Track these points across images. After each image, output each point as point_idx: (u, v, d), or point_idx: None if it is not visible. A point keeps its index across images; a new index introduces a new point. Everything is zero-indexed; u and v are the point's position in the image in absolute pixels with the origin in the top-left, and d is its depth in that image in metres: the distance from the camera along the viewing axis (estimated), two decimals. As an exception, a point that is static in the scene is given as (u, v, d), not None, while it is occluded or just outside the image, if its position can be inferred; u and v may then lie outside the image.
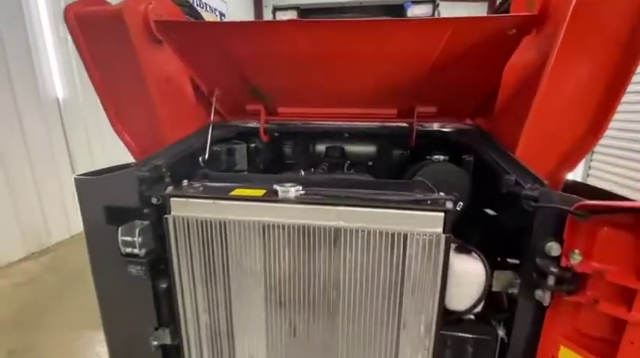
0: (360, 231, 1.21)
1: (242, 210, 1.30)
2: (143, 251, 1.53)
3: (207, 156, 1.87)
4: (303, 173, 1.80)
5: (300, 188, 1.31)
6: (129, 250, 1.54)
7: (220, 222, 1.33)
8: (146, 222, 1.56)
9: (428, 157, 2.04)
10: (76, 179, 1.52)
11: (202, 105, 2.00)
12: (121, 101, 1.71)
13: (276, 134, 2.22)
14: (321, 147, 2.40)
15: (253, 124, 2.14)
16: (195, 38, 1.58)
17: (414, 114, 1.85)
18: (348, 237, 1.23)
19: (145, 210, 1.51)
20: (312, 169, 1.93)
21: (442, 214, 1.14)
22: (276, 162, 2.52)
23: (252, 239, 1.32)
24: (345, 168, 2.15)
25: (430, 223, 1.15)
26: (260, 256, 1.33)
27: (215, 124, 2.09)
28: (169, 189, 1.40)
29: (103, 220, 1.53)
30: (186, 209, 1.35)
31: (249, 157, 2.23)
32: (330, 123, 2.06)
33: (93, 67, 1.60)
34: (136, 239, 1.50)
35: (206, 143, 1.90)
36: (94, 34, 1.53)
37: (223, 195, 1.33)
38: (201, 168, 1.88)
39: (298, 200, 1.27)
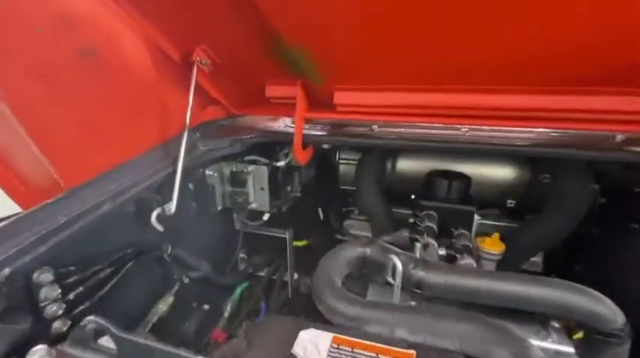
0: None
1: None
2: None
3: (173, 206, 0.82)
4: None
5: None
6: None
7: None
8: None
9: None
10: None
11: (176, 84, 0.95)
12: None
13: (327, 146, 1.12)
14: (410, 167, 1.25)
15: (281, 126, 1.05)
16: None
17: None
18: None
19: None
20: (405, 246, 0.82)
21: None
22: (323, 194, 1.45)
23: None
24: (475, 223, 0.99)
25: None
26: None
27: (203, 128, 1.04)
28: None
29: None
30: None
31: (273, 186, 1.17)
32: (448, 128, 0.91)
33: None
34: None
35: (174, 173, 0.86)
36: None
37: None
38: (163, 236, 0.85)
39: None
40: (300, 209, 1.43)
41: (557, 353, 0.66)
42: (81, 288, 0.67)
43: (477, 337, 0.54)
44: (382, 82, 0.88)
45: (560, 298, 0.61)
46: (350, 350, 0.55)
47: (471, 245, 0.92)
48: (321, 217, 1.62)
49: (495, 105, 0.87)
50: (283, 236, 1.26)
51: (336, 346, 0.55)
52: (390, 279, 0.73)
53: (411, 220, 1.13)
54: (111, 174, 0.77)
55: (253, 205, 1.14)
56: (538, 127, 0.87)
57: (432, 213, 1.00)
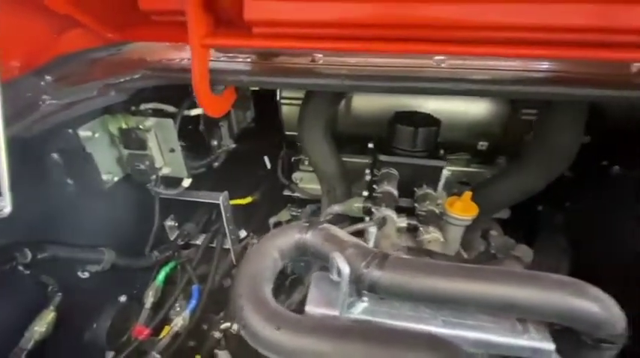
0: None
1: None
2: None
3: (6, 202, 0.54)
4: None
5: None
6: None
7: None
8: None
9: None
10: None
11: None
12: None
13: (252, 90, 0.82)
14: (367, 106, 1.00)
15: (186, 56, 0.71)
16: None
17: None
18: None
19: None
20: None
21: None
22: (266, 141, 1.19)
23: None
24: (443, 179, 0.80)
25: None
26: None
27: (59, 67, 0.68)
28: None
29: None
30: None
31: (192, 143, 0.88)
32: (418, 57, 0.65)
33: None
34: None
35: None
36: None
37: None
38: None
39: None
40: (240, 161, 1.17)
41: (536, 351, 0.54)
42: None
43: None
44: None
45: (558, 305, 0.46)
46: None
47: (437, 210, 0.75)
48: (269, 166, 1.38)
49: (484, 22, 0.60)
50: (216, 201, 1.02)
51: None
52: (334, 278, 0.55)
53: (368, 177, 0.93)
54: None
55: (164, 171, 0.86)
56: (542, 56, 0.63)
57: (392, 171, 0.79)
